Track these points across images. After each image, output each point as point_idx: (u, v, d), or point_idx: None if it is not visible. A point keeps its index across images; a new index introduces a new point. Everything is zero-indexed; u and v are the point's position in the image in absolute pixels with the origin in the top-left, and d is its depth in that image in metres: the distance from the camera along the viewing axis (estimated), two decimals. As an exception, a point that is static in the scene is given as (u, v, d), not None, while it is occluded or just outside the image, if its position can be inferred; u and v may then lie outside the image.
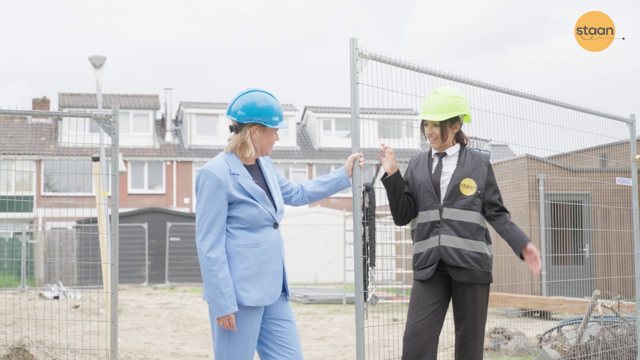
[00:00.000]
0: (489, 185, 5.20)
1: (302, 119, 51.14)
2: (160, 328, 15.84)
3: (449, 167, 5.22)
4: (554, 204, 19.70)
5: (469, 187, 5.11)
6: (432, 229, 5.16)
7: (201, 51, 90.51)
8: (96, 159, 6.76)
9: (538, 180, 19.94)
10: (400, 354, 5.20)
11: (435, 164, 5.27)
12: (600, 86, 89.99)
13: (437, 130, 5.21)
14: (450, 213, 5.10)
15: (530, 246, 5.07)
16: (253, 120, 4.68)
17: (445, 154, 5.27)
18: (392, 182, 5.23)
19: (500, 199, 5.26)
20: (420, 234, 5.24)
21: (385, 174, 5.27)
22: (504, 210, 5.24)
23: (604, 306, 9.46)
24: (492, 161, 5.69)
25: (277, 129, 4.82)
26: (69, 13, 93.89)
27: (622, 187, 9.14)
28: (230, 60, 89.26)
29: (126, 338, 13.94)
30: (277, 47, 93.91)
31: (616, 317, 9.30)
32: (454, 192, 5.12)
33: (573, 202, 20.05)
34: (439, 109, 5.18)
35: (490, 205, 5.19)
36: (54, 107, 46.27)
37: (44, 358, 8.87)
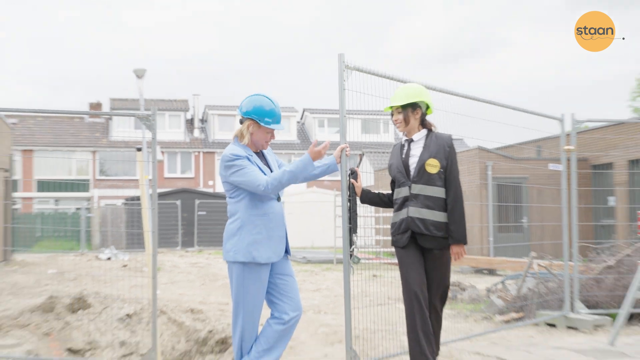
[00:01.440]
0: (452, 164, 5.11)
1: (301, 118, 51.11)
2: (191, 282, 15.86)
3: (417, 150, 5.18)
4: (499, 185, 19.83)
5: (433, 166, 5.05)
6: (404, 202, 5.15)
7: (222, 64, 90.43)
8: (139, 150, 6.75)
9: (487, 166, 20.00)
10: (378, 302, 5.23)
11: (405, 149, 5.25)
12: (532, 90, 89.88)
13: (400, 117, 5.20)
14: (417, 189, 5.08)
15: (454, 248, 5.07)
16: (250, 116, 4.83)
17: (412, 140, 5.23)
18: (365, 200, 5.58)
19: (456, 179, 5.12)
20: (396, 206, 5.25)
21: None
22: (458, 194, 5.11)
23: (539, 265, 9.51)
24: None
25: (271, 130, 4.90)
26: (118, 34, 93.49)
27: (554, 172, 9.17)
28: (245, 70, 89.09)
29: (164, 290, 13.96)
30: (281, 60, 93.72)
31: (548, 273, 9.34)
32: (421, 171, 5.08)
33: (514, 183, 20.15)
34: (400, 98, 5.19)
35: (449, 184, 5.10)
36: (105, 109, 46.18)
37: (99, 306, 8.90)
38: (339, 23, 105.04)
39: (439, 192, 5.06)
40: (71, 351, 8.00)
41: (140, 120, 6.42)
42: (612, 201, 19.30)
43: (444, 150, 5.10)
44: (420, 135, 5.22)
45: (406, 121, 5.20)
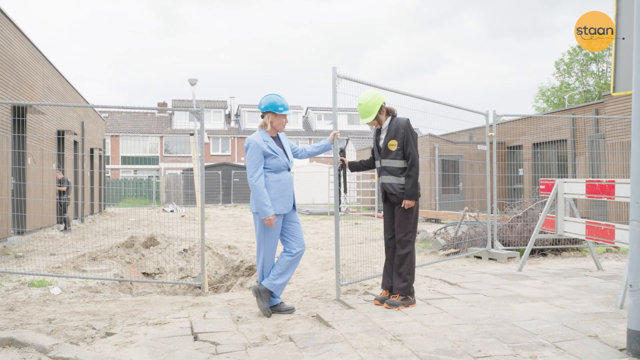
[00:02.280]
0: (407, 141, 4.92)
1: (305, 113, 50.73)
2: (228, 227, 15.84)
3: (384, 134, 5.06)
4: (443, 160, 19.74)
5: (393, 145, 4.94)
6: (379, 173, 5.10)
7: (250, 74, 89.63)
8: (192, 135, 6.66)
9: (435, 147, 19.89)
10: (359, 241, 5.18)
11: (379, 134, 5.15)
12: (466, 95, 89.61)
13: (374, 122, 5.10)
14: (385, 162, 5.00)
15: (405, 202, 4.87)
16: (268, 110, 4.86)
17: (381, 129, 5.13)
18: (353, 169, 5.46)
19: (412, 152, 4.88)
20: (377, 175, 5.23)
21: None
22: (412, 163, 4.90)
23: (470, 215, 9.48)
24: None
25: (284, 114, 4.91)
26: (176, 55, 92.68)
27: (481, 151, 9.08)
28: (267, 79, 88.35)
29: (209, 233, 13.95)
30: (291, 71, 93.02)
31: (476, 221, 9.31)
32: (385, 150, 4.99)
33: (453, 159, 20.08)
34: (365, 114, 5.04)
35: (407, 156, 4.92)
36: (169, 107, 46.00)
37: (165, 243, 8.87)
38: (331, 47, 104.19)
39: (399, 163, 4.95)
40: (145, 274, 7.99)
41: (192, 114, 6.33)
42: (520, 172, 19.24)
43: (400, 132, 4.94)
44: (386, 124, 5.08)
45: (379, 122, 5.10)
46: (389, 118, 5.09)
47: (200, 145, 6.51)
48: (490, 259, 8.02)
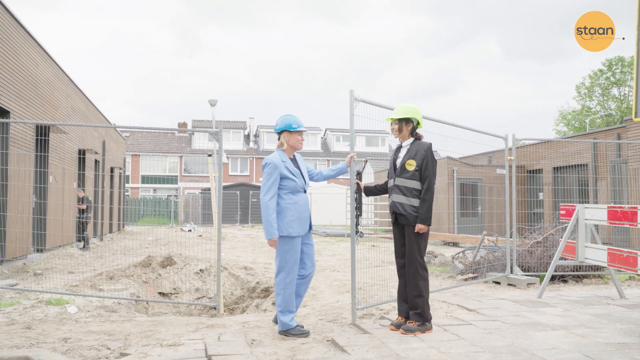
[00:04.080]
0: (427, 164, 4.84)
1: (324, 135, 50.92)
2: (245, 248, 15.85)
3: (403, 153, 5.01)
4: (462, 183, 19.62)
5: (411, 165, 4.87)
6: (391, 191, 5.03)
7: (269, 95, 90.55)
8: (210, 155, 6.71)
9: (453, 170, 19.80)
10: (375, 264, 5.13)
11: (398, 152, 5.10)
12: (483, 117, 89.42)
13: (396, 126, 5.05)
14: (399, 181, 4.92)
15: (418, 226, 4.77)
16: (283, 129, 4.99)
17: (402, 145, 5.06)
18: (368, 193, 5.39)
19: (430, 176, 4.81)
20: (389, 194, 5.15)
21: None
22: (428, 187, 4.80)
23: (489, 240, 9.36)
24: None
25: (299, 131, 5.00)
26: (196, 76, 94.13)
27: (500, 175, 8.99)
28: (285, 100, 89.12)
29: (226, 253, 13.96)
30: (309, 93, 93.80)
31: (495, 246, 9.19)
32: (402, 168, 4.93)
33: (472, 183, 19.94)
34: (398, 112, 5.04)
35: (423, 179, 4.84)
36: (189, 127, 46.60)
37: (181, 263, 8.90)
38: (348, 69, 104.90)
39: (414, 184, 4.86)
40: (161, 294, 8.00)
41: (211, 135, 6.39)
42: (540, 196, 19.01)
43: (421, 153, 4.87)
44: (408, 142, 5.02)
45: (400, 130, 5.04)
46: (412, 139, 5.02)
47: (218, 166, 6.56)
48: (509, 284, 7.88)
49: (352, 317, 5.24)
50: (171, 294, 8.01)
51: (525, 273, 8.16)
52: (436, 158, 5.13)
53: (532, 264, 8.39)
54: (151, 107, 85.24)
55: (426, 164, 4.86)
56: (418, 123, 5.08)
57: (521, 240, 9.22)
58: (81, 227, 14.65)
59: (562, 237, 8.16)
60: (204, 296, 8.11)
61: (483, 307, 5.98)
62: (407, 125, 5.04)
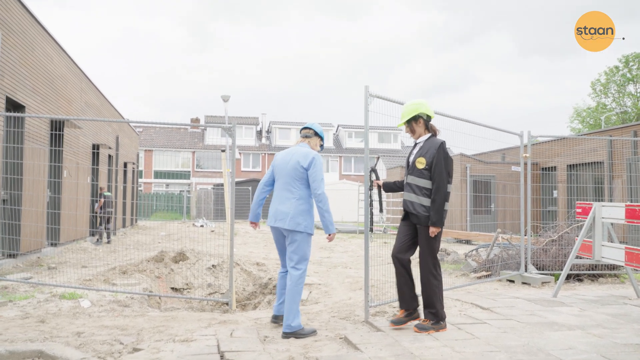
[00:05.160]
0: (437, 162, 4.68)
1: (336, 131, 50.85)
2: (257, 244, 15.86)
3: (416, 150, 4.89)
4: (475, 180, 19.47)
5: (421, 163, 4.73)
6: (405, 188, 4.91)
7: (281, 91, 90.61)
8: (223, 151, 6.70)
9: (466, 167, 19.66)
10: (387, 262, 5.05)
11: (413, 149, 4.98)
12: (496, 114, 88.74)
13: (408, 129, 4.97)
14: (410, 179, 4.82)
15: (430, 229, 4.64)
16: (320, 135, 5.14)
17: (417, 143, 4.95)
18: (387, 189, 5.29)
19: (439, 175, 4.64)
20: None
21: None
22: (437, 187, 4.64)
23: (503, 237, 9.26)
24: None
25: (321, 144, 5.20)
26: (208, 72, 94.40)
27: (514, 172, 8.88)
28: (297, 96, 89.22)
29: (238, 249, 13.97)
30: (322, 89, 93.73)
31: (509, 244, 9.10)
32: (413, 166, 4.81)
33: (485, 180, 19.79)
34: (402, 116, 4.95)
35: (433, 178, 4.68)
36: (201, 123, 46.79)
37: (194, 258, 8.90)
38: (360, 65, 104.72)
39: (423, 183, 4.73)
40: (174, 289, 8.02)
41: (224, 130, 6.37)
42: (555, 194, 18.82)
43: (431, 151, 4.73)
44: (423, 139, 4.88)
45: (412, 131, 4.94)
46: (428, 135, 4.89)
47: (231, 162, 6.54)
48: (524, 283, 7.79)
49: (365, 315, 5.20)
50: (183, 289, 8.02)
51: (540, 272, 8.06)
52: (451, 154, 5.02)
53: (547, 262, 8.29)
54: (164, 103, 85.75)
55: (436, 163, 4.68)
56: (428, 116, 4.92)
57: (536, 238, 9.11)
58: (101, 221, 14.93)
59: (577, 236, 8.06)
60: (216, 292, 8.10)
61: (497, 306, 5.91)
62: (417, 124, 4.91)
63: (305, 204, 4.74)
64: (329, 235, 4.90)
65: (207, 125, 6.27)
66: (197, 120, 48.27)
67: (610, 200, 15.77)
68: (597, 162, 17.20)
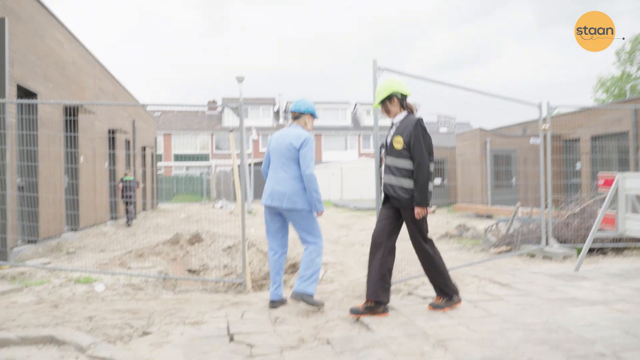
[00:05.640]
0: (415, 140, 4.39)
1: (354, 108, 50.43)
2: (275, 224, 15.81)
3: (393, 130, 4.63)
4: (495, 155, 19.14)
5: (398, 143, 4.45)
6: (384, 171, 4.67)
7: (299, 70, 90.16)
8: (231, 131, 6.58)
9: (486, 142, 19.30)
10: (406, 238, 4.84)
11: (390, 130, 4.70)
12: (517, 88, 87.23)
13: (383, 109, 4.70)
14: (389, 161, 4.54)
15: (415, 210, 4.40)
16: (308, 112, 5.05)
17: (393, 123, 4.67)
18: None
19: (419, 153, 4.36)
20: None
21: None
22: (418, 166, 4.37)
23: (523, 212, 9.04)
24: (459, 132, 5.26)
25: (313, 120, 5.15)
26: (225, 53, 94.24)
27: (535, 145, 8.62)
28: (315, 75, 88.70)
29: (257, 228, 13.94)
30: (339, 67, 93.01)
31: (530, 218, 8.88)
32: (391, 147, 4.54)
33: (506, 154, 19.43)
34: (376, 97, 4.74)
35: (413, 157, 4.41)
36: (219, 105, 46.90)
37: (209, 240, 8.89)
38: (376, 42, 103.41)
39: (402, 163, 4.45)
40: (190, 271, 8.01)
41: (232, 110, 6.26)
42: (578, 166, 18.39)
43: (408, 130, 4.44)
44: (399, 118, 4.61)
45: (387, 111, 4.67)
46: (404, 114, 4.61)
47: (240, 142, 6.42)
48: (545, 257, 7.60)
49: (379, 294, 5.08)
50: (199, 270, 8.01)
51: (561, 245, 7.86)
52: (470, 129, 4.83)
53: (569, 236, 8.07)
54: (182, 86, 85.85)
55: (414, 141, 4.39)
56: (402, 95, 4.62)
57: (557, 211, 8.87)
58: (127, 205, 15.30)
59: (600, 209, 7.83)
60: (232, 272, 8.08)
61: (517, 282, 5.75)
62: (391, 103, 4.63)
63: (301, 183, 4.80)
64: (317, 212, 4.88)
65: (214, 105, 6.16)
66: (214, 102, 48.30)
67: (637, 172, 15.32)
68: (622, 133, 16.71)
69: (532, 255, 7.77)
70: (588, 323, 4.09)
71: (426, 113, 49.27)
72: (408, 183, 4.45)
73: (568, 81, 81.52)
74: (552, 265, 7.03)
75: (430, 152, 4.46)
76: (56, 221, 10.41)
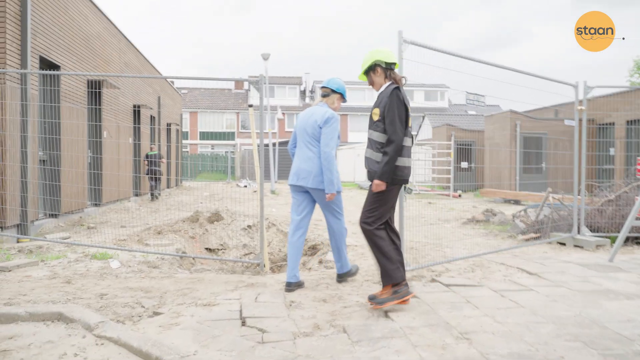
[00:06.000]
0: (388, 110, 4.04)
1: (381, 90, 49.79)
2: (298, 204, 15.64)
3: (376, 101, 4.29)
4: (525, 137, 18.59)
5: (375, 114, 4.13)
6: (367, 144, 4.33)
7: (325, 51, 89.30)
8: (251, 106, 6.35)
9: (516, 124, 18.74)
10: (430, 222, 4.61)
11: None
12: (549, 70, 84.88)
13: (369, 81, 4.36)
14: (369, 133, 4.21)
15: (374, 181, 4.07)
16: (339, 92, 4.99)
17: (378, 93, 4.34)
18: None
19: (390, 124, 4.01)
20: None
21: None
22: (389, 139, 4.00)
23: (554, 197, 8.65)
24: (489, 114, 4.89)
25: (342, 102, 5.05)
26: (253, 32, 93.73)
27: (568, 127, 8.20)
28: (339, 56, 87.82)
29: (279, 209, 13.79)
30: (362, 47, 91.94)
31: (560, 204, 8.49)
32: (370, 118, 4.21)
33: (536, 137, 18.86)
34: (360, 68, 4.38)
35: (386, 130, 4.05)
36: (245, 84, 46.69)
37: (229, 219, 8.74)
38: (403, 22, 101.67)
39: (377, 136, 4.12)
40: (208, 249, 7.88)
41: (252, 85, 6.04)
42: (612, 151, 17.73)
43: (384, 100, 4.07)
44: (382, 89, 4.26)
45: (372, 82, 4.34)
46: (386, 84, 4.25)
47: (259, 119, 6.18)
48: (576, 246, 7.25)
49: (400, 279, 4.84)
50: (218, 249, 7.87)
51: (594, 234, 7.49)
52: (499, 111, 4.48)
53: (602, 224, 7.69)
54: (209, 65, 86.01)
55: (388, 110, 4.04)
56: (387, 64, 4.25)
57: (590, 198, 8.47)
58: (152, 180, 15.81)
59: (638, 196, 7.42)
60: (251, 252, 7.93)
61: (546, 271, 5.45)
62: (375, 74, 4.28)
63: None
64: (328, 194, 4.63)
65: (231, 79, 5.95)
66: (240, 82, 48.13)
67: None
68: (660, 117, 16.01)
69: (563, 244, 7.42)
70: (625, 319, 3.79)
71: (456, 97, 48.30)
72: (378, 157, 4.10)
73: (603, 64, 79.08)
74: (583, 254, 6.69)
75: (404, 123, 4.06)
76: (79, 196, 10.39)
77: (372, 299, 4.06)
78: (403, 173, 4.11)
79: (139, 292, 4.68)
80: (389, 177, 4.02)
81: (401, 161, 4.07)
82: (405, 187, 4.89)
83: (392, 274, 4.03)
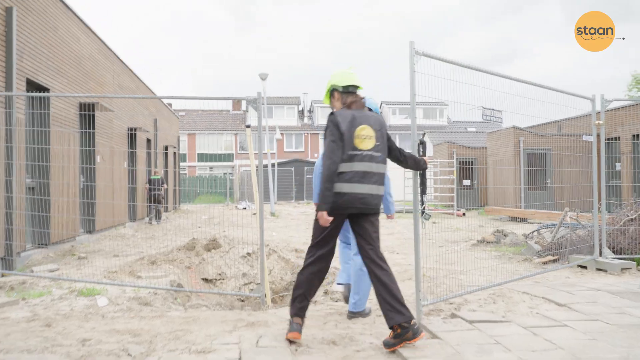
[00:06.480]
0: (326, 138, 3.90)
1: (380, 107, 49.44)
2: (299, 226, 15.19)
3: None
4: (529, 153, 18.20)
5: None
6: None
7: (323, 70, 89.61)
8: (248, 126, 5.92)
9: (519, 140, 18.36)
10: (439, 245, 4.15)
11: None
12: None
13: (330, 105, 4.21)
14: None
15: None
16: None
17: None
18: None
19: (324, 148, 3.89)
20: None
21: None
22: (323, 161, 3.87)
23: (571, 217, 8.17)
24: (491, 130, 4.51)
25: None
26: (252, 52, 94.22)
27: (572, 144, 7.76)
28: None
29: (279, 232, 13.34)
30: (364, 65, 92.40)
31: (578, 223, 8.02)
32: None
33: (540, 153, 18.47)
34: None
35: None
36: (242, 104, 46.53)
37: (227, 246, 8.24)
38: (405, 39, 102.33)
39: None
40: (205, 280, 7.38)
41: (250, 104, 5.62)
42: (617, 166, 17.30)
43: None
44: None
45: (333, 107, 4.14)
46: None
47: (257, 139, 5.74)
48: (599, 269, 6.77)
49: (417, 316, 4.33)
50: (216, 279, 7.37)
51: (617, 256, 7.01)
52: (501, 128, 4.09)
53: (625, 245, 7.21)
54: (210, 85, 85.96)
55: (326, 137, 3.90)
56: (345, 87, 4.07)
57: (612, 217, 8.00)
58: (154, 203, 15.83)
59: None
60: (251, 282, 7.42)
61: (576, 301, 4.96)
62: (334, 99, 4.13)
63: None
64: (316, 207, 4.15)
65: (229, 98, 5.53)
66: (238, 103, 47.90)
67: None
68: (668, 131, 15.62)
69: (584, 267, 6.94)
70: (681, 362, 3.31)
71: (455, 114, 48.15)
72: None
73: (603, 80, 79.24)
74: (609, 279, 6.20)
75: (339, 149, 3.78)
76: (69, 226, 9.89)
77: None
78: (342, 199, 3.79)
79: (126, 335, 4.18)
80: (321, 201, 3.78)
81: (339, 187, 3.79)
82: (423, 213, 4.42)
83: (291, 308, 4.00)
